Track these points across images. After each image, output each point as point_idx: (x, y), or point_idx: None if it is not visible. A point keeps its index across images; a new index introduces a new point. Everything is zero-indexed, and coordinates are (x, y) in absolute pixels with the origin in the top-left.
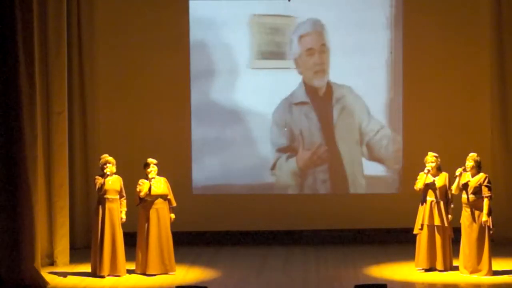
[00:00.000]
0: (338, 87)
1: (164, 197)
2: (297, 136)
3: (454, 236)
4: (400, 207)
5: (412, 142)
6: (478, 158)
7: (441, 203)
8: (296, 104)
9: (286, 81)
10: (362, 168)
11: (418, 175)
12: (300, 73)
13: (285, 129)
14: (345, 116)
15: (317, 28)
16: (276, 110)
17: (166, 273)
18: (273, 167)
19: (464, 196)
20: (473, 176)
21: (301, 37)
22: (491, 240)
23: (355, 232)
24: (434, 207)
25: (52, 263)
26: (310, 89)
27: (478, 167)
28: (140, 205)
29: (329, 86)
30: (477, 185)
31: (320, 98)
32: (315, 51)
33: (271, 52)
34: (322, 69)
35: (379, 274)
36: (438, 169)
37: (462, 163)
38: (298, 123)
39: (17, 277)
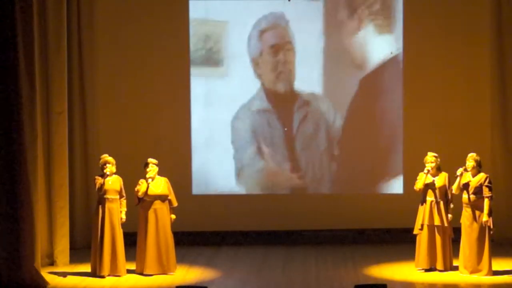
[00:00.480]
0: (303, 92)
1: (163, 197)
2: (261, 146)
3: (454, 236)
4: (400, 207)
5: (412, 142)
6: (478, 158)
7: (441, 203)
8: (257, 111)
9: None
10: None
11: (418, 175)
12: (259, 76)
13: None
14: (310, 120)
15: (281, 23)
16: (235, 118)
17: (164, 274)
18: (239, 176)
19: (464, 196)
20: (473, 176)
21: (262, 32)
22: (491, 240)
23: (355, 232)
24: (434, 207)
25: (52, 263)
26: (271, 94)
27: (478, 166)
28: (139, 205)
29: (293, 90)
30: (477, 185)
31: (284, 103)
32: (280, 48)
33: (206, 58)
34: (288, 69)
35: (379, 274)
36: (438, 169)
37: (462, 163)
38: (261, 131)
39: (17, 277)
